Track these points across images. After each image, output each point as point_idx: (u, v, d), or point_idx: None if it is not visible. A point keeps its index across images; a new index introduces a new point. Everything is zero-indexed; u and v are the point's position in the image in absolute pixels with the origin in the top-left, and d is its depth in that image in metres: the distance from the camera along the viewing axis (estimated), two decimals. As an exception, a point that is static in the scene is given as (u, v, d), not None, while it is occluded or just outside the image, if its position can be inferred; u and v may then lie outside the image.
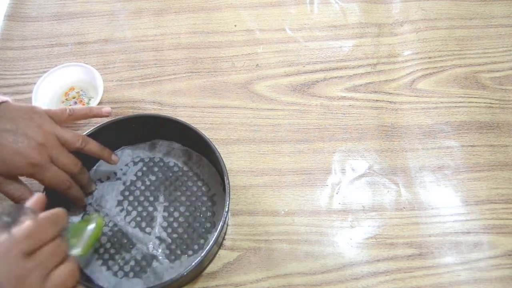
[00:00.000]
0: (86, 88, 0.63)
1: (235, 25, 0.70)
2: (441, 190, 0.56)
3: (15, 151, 0.45)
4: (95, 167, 0.56)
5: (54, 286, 0.33)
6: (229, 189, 0.49)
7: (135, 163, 0.57)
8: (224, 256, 0.52)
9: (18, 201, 0.49)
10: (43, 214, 0.36)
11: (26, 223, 0.34)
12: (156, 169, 0.56)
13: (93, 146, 0.52)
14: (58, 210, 0.37)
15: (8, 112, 0.47)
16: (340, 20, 0.70)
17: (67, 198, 0.51)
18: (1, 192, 0.48)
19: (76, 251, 0.41)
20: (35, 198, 0.39)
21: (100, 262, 0.51)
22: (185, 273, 0.44)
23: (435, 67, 0.66)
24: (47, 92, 0.62)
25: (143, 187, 0.55)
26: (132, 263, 0.51)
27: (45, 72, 0.63)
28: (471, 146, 0.59)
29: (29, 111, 0.48)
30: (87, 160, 0.56)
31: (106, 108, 0.54)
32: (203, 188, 0.55)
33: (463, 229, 0.53)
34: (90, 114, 0.54)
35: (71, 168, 0.50)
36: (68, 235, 0.41)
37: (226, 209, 0.47)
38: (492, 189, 0.56)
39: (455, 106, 0.62)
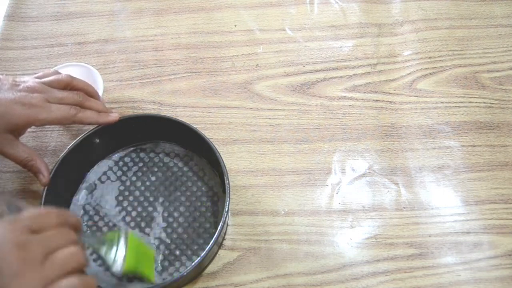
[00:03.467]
0: (86, 88, 0.63)
1: (235, 25, 0.70)
2: (441, 190, 0.56)
3: (9, 101, 0.46)
4: (95, 167, 0.56)
5: (54, 264, 0.34)
6: (229, 189, 0.49)
7: (135, 163, 0.57)
8: (224, 256, 0.52)
9: (26, 164, 0.49)
10: (48, 210, 0.37)
11: (31, 210, 0.36)
12: (156, 169, 0.56)
13: (81, 81, 0.52)
14: (64, 210, 0.39)
15: None
16: (340, 20, 0.70)
17: (86, 123, 0.51)
18: (8, 156, 0.48)
19: (118, 264, 0.42)
20: None
21: (99, 261, 0.51)
22: (185, 273, 0.44)
23: (435, 67, 0.66)
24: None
25: (143, 187, 0.55)
26: (132, 263, 0.51)
27: (45, 72, 0.63)
28: (471, 146, 0.59)
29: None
30: (86, 160, 0.56)
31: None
32: (203, 188, 0.55)
33: (463, 229, 0.53)
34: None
35: (72, 99, 0.50)
36: (103, 248, 0.43)
37: (226, 209, 0.47)
38: (492, 189, 0.56)
39: (455, 106, 0.62)
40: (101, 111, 0.53)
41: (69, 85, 0.51)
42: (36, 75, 0.52)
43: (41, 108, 0.47)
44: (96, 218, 0.53)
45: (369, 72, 0.65)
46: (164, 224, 0.53)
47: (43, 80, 0.50)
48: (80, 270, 0.36)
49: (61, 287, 0.33)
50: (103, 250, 0.43)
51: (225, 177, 0.49)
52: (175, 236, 0.52)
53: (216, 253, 0.52)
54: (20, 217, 0.35)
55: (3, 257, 0.32)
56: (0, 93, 0.47)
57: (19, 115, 0.46)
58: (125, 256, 0.43)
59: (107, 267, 0.47)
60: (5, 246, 0.32)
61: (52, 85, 0.50)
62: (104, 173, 0.56)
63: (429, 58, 0.66)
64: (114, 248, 0.43)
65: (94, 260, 0.50)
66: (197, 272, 0.50)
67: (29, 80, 0.50)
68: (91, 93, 0.53)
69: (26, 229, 0.34)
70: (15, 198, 0.38)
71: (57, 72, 0.53)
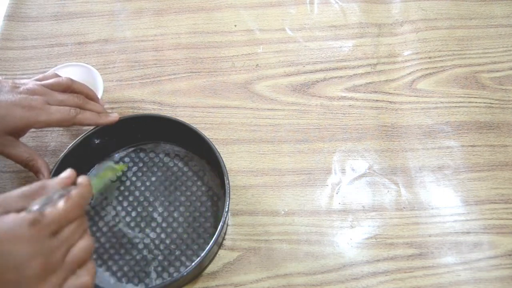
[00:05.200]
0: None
1: (235, 25, 0.70)
2: (441, 190, 0.56)
3: (9, 103, 0.46)
4: (95, 167, 0.56)
5: (73, 261, 0.35)
6: (229, 189, 0.49)
7: (135, 163, 0.57)
8: (224, 256, 0.52)
9: (27, 164, 0.49)
10: (75, 194, 0.37)
11: (58, 205, 0.35)
12: (156, 169, 0.56)
13: (80, 84, 0.53)
14: (86, 186, 0.38)
15: None
16: (340, 20, 0.70)
17: (86, 124, 0.52)
18: (9, 156, 0.49)
19: None
20: (68, 172, 0.39)
21: (99, 262, 0.51)
22: (185, 273, 0.44)
23: (435, 67, 0.66)
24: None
25: (143, 187, 0.55)
26: (131, 263, 0.51)
27: (45, 72, 0.62)
28: (471, 146, 0.59)
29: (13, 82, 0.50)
30: (85, 160, 0.56)
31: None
32: (203, 188, 0.55)
33: (463, 229, 0.53)
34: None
35: (72, 101, 0.50)
36: None
37: (226, 209, 0.47)
38: (492, 189, 0.56)
39: (455, 106, 0.62)
40: (101, 113, 0.53)
41: (69, 88, 0.52)
42: (36, 77, 0.52)
43: (41, 110, 0.48)
44: (96, 218, 0.53)
45: (369, 72, 0.65)
46: (164, 224, 0.53)
47: (43, 82, 0.51)
48: None
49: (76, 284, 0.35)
50: None
51: (225, 177, 0.49)
52: (175, 236, 0.52)
53: (216, 253, 0.52)
54: (43, 219, 0.34)
55: (28, 266, 0.32)
56: (0, 95, 0.47)
57: (19, 118, 0.47)
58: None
59: None
60: (30, 257, 0.33)
61: (52, 87, 0.50)
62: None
63: (429, 58, 0.66)
64: None
65: (96, 259, 0.51)
66: (197, 272, 0.50)
67: (29, 83, 0.50)
68: (91, 96, 0.54)
69: (48, 234, 0.34)
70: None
71: (57, 75, 0.53)
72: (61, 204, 0.35)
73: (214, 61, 0.67)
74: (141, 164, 0.57)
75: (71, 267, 0.35)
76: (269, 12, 0.72)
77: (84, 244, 0.37)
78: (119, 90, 0.64)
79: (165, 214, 0.53)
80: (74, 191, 0.37)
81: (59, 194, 0.36)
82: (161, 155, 0.57)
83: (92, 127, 0.53)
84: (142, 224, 0.53)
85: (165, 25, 0.70)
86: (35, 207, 0.35)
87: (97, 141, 0.55)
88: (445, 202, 0.55)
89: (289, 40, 0.69)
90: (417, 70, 0.65)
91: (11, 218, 0.33)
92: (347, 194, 0.56)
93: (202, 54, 0.67)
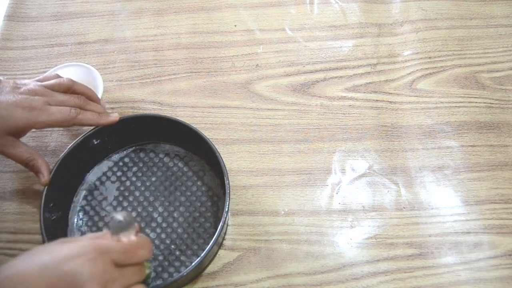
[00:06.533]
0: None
1: (235, 25, 0.70)
2: (441, 190, 0.56)
3: (10, 104, 0.46)
4: (95, 168, 0.56)
5: None
6: (229, 189, 0.49)
7: (135, 164, 0.57)
8: (224, 256, 0.52)
9: (27, 164, 0.49)
10: (144, 238, 0.39)
11: (130, 238, 0.38)
12: (156, 169, 0.56)
13: (81, 85, 0.53)
14: (149, 243, 0.40)
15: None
16: (340, 20, 0.70)
17: (87, 125, 0.52)
18: (9, 156, 0.49)
19: None
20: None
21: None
22: (185, 273, 0.44)
23: (435, 67, 0.66)
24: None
25: (143, 188, 0.55)
26: (132, 263, 0.51)
27: (45, 72, 0.62)
28: (471, 146, 0.59)
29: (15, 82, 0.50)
30: (86, 160, 0.56)
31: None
32: (203, 188, 0.55)
33: (463, 229, 0.53)
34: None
35: (72, 102, 0.50)
36: None
37: (226, 209, 0.47)
38: (492, 189, 0.56)
39: (455, 106, 0.62)
40: (101, 113, 0.53)
41: (70, 89, 0.52)
42: (37, 78, 0.52)
43: (41, 110, 0.48)
44: (96, 218, 0.53)
45: (369, 72, 0.65)
46: (164, 224, 0.53)
47: (44, 83, 0.51)
48: None
49: None
50: None
51: (225, 177, 0.49)
52: (175, 236, 0.52)
53: (216, 253, 0.52)
54: (116, 247, 0.36)
55: (86, 286, 0.33)
56: (1, 96, 0.47)
57: (20, 118, 0.47)
58: None
59: None
60: (91, 277, 0.34)
61: (53, 88, 0.51)
62: (104, 173, 0.56)
63: (429, 58, 0.66)
64: None
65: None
66: (197, 272, 0.50)
67: (30, 83, 0.50)
68: (92, 97, 0.54)
69: (113, 263, 0.36)
70: (130, 217, 0.38)
71: (58, 76, 0.53)
72: (132, 238, 0.37)
73: (214, 61, 0.67)
74: (141, 164, 0.57)
75: None
76: (269, 12, 0.72)
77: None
78: (119, 90, 0.64)
79: (165, 214, 0.53)
80: (143, 237, 0.39)
81: (133, 226, 0.38)
82: (161, 155, 0.57)
83: (92, 127, 0.53)
84: (142, 224, 0.53)
85: (165, 25, 0.70)
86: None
87: (97, 141, 0.55)
88: (445, 202, 0.55)
89: (289, 40, 0.69)
90: (417, 70, 0.65)
91: (84, 240, 0.35)
92: (347, 194, 0.56)
93: (202, 54, 0.67)
